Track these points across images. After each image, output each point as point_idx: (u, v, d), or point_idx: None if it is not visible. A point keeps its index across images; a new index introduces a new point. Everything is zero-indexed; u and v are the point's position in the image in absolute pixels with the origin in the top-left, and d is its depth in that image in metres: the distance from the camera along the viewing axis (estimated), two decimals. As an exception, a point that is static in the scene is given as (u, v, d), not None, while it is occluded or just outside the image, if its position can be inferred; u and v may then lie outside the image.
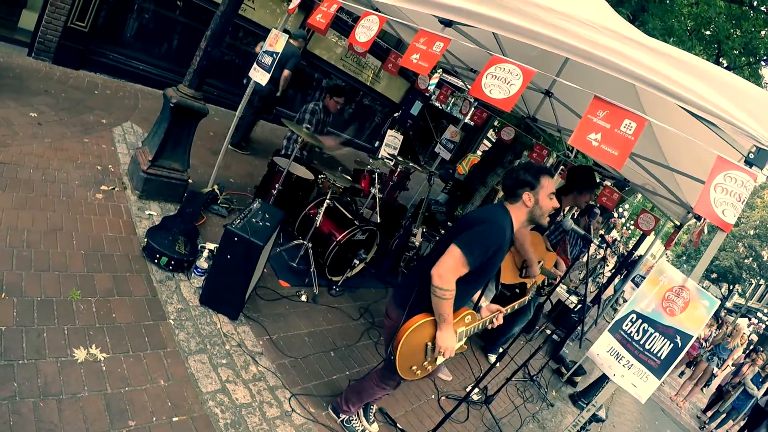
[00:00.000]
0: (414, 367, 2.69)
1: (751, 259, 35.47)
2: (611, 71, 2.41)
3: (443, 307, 2.49)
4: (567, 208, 4.55)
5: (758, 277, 36.60)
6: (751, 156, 2.14)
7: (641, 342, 2.39)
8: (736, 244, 36.26)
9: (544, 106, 5.60)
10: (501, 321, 2.91)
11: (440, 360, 2.75)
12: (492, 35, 3.77)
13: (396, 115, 11.51)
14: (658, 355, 2.36)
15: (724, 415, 9.60)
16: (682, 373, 11.27)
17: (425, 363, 2.70)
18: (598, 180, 6.13)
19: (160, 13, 7.36)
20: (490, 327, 2.91)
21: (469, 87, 7.00)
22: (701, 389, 11.07)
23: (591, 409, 2.58)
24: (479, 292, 2.97)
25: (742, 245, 35.94)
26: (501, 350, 5.63)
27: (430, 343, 2.64)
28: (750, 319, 30.87)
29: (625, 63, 2.34)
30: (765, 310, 35.46)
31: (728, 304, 39.81)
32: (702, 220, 3.94)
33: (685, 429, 9.00)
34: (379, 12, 3.57)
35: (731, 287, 39.06)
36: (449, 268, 2.45)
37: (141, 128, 5.78)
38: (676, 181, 4.67)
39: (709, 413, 10.05)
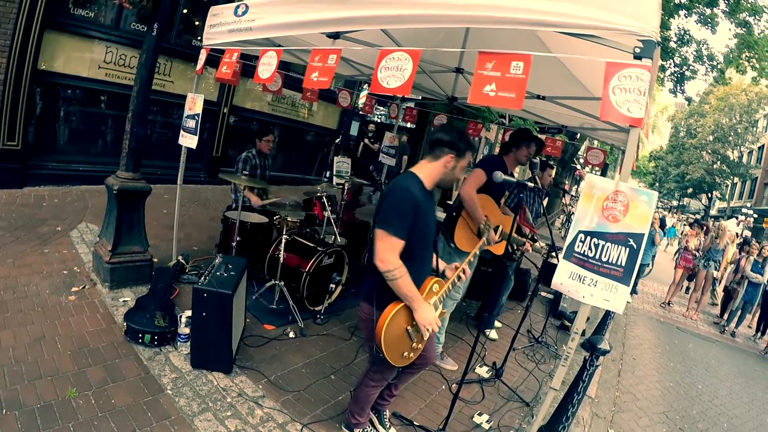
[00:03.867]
0: (405, 353, 2.74)
1: (719, 162, 36.27)
2: (493, 25, 2.53)
3: (403, 287, 2.55)
4: (516, 169, 4.66)
5: (731, 177, 37.38)
6: (638, 50, 2.24)
7: (597, 257, 2.45)
8: (699, 154, 37.12)
9: (460, 83, 5.78)
10: (468, 273, 2.98)
11: (427, 335, 2.79)
12: (381, 33, 3.91)
13: (338, 141, 11.73)
14: (618, 263, 2.42)
15: (739, 312, 9.77)
16: (687, 288, 11.44)
17: (413, 345, 2.75)
18: (543, 137, 6.31)
19: (87, 112, 7.50)
20: (459, 283, 2.99)
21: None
22: (710, 297, 11.25)
23: (575, 337, 2.64)
24: (438, 259, 3.05)
25: (705, 153, 36.76)
26: (499, 324, 5.78)
27: (409, 327, 2.68)
28: (737, 218, 31.35)
29: (499, 13, 2.46)
30: (748, 205, 36.08)
31: (713, 212, 40.54)
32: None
33: (705, 338, 9.15)
34: (281, 46, 3.73)
35: (710, 195, 39.82)
36: (383, 250, 2.52)
37: (96, 225, 5.83)
38: (606, 109, 4.83)
39: (725, 315, 10.23)
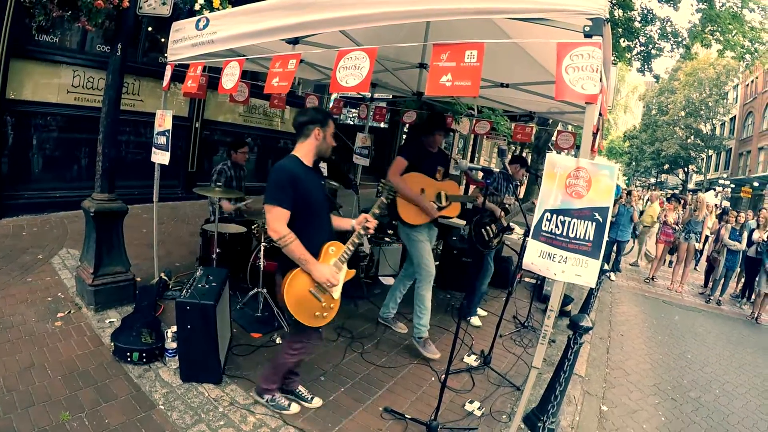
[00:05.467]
0: (317, 313, 3.08)
1: (692, 137, 36.81)
2: (439, 17, 2.61)
3: (295, 252, 2.90)
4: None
5: (706, 150, 37.95)
6: (587, 29, 2.31)
7: (564, 234, 2.50)
8: (673, 130, 37.65)
9: (424, 77, 5.81)
10: (374, 223, 3.27)
11: (336, 292, 3.15)
12: (341, 35, 3.96)
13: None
14: (586, 238, 2.47)
15: (722, 280, 9.95)
16: (671, 262, 11.59)
17: (324, 304, 3.08)
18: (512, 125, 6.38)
19: (60, 138, 7.43)
20: (368, 234, 3.30)
21: (359, 93, 7.23)
22: (694, 268, 11.42)
23: (551, 315, 2.70)
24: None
25: (678, 129, 37.29)
26: (484, 313, 5.87)
27: (313, 289, 3.02)
28: (715, 189, 31.83)
29: (445, 5, 2.54)
30: (724, 176, 36.68)
31: (690, 186, 41.15)
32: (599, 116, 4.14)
33: (692, 308, 9.31)
34: (244, 56, 3.78)
35: (686, 170, 40.39)
36: (272, 221, 2.88)
37: (76, 250, 5.80)
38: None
39: (709, 285, 10.41)
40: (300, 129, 3.10)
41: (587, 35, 2.32)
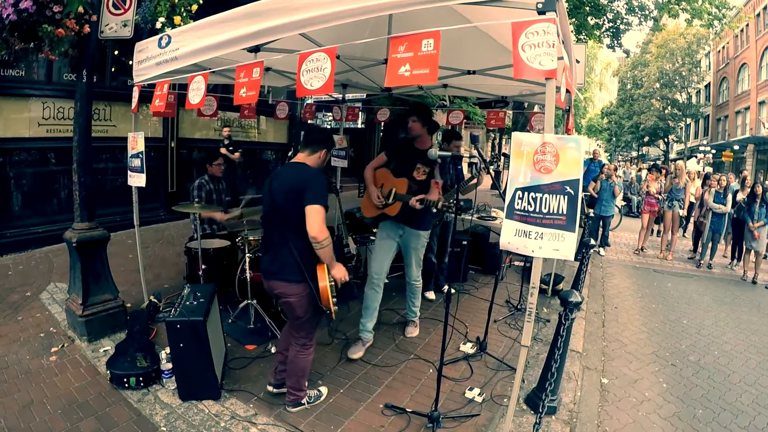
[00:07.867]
0: (333, 299, 3.27)
1: (669, 107, 37.13)
2: (401, 9, 2.62)
3: (330, 251, 3.13)
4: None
5: (684, 118, 38.30)
6: (540, 6, 2.35)
7: (538, 210, 2.54)
8: (649, 102, 37.97)
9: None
10: None
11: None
12: (303, 39, 3.97)
13: (290, 153, 11.78)
14: (560, 212, 2.51)
15: (710, 244, 10.02)
16: (659, 232, 11.66)
17: (335, 291, 3.32)
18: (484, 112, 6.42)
19: (37, 172, 7.38)
20: None
21: (331, 95, 7.24)
22: (683, 235, 11.50)
23: (533, 292, 2.73)
24: None
25: (655, 101, 37.60)
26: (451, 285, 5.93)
27: (331, 282, 3.25)
28: (697, 157, 32.10)
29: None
30: (704, 143, 37.00)
31: (672, 155, 41.49)
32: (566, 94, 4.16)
33: (683, 274, 9.39)
34: (208, 69, 3.78)
35: (666, 140, 40.73)
36: (321, 221, 3.00)
37: (64, 283, 5.76)
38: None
39: (698, 250, 10.50)
40: (312, 143, 3.32)
41: (541, 12, 2.36)
